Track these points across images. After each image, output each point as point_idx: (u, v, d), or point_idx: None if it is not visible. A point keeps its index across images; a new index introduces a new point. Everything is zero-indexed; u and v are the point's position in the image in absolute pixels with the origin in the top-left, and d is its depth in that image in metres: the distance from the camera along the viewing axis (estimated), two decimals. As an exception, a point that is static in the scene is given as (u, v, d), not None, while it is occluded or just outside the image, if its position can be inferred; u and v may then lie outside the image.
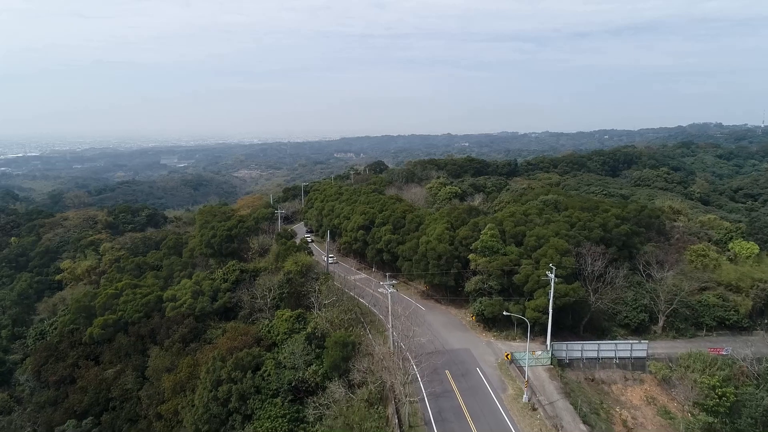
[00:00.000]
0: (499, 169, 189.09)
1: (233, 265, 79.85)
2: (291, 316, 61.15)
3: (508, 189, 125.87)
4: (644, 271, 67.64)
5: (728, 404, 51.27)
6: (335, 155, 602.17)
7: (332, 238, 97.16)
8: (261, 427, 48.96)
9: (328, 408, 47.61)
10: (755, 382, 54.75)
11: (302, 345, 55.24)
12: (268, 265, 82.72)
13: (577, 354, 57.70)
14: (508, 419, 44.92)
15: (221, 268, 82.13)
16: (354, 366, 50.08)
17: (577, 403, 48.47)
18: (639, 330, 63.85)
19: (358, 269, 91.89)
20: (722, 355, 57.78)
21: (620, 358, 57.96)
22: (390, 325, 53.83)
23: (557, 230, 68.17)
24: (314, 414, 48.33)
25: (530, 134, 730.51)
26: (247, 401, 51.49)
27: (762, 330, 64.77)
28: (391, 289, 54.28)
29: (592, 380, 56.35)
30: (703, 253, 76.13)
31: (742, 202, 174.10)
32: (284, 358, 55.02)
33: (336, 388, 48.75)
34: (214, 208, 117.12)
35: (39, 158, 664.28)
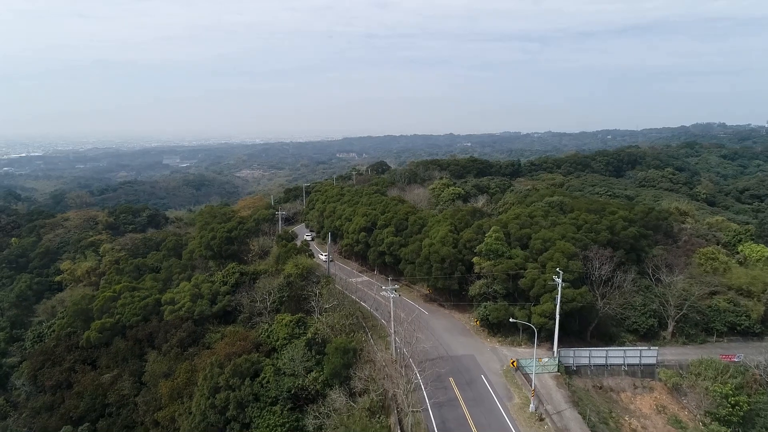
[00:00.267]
0: (502, 169, 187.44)
1: (233, 267, 78.54)
2: (291, 321, 59.73)
3: (512, 190, 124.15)
4: (653, 275, 65.96)
5: (741, 414, 49.75)
6: (337, 155, 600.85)
7: (333, 240, 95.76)
8: (259, 436, 47.61)
9: (328, 417, 46.20)
10: (769, 390, 53.16)
11: (302, 351, 53.84)
12: (268, 267, 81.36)
13: (585, 361, 56.13)
14: (515, 431, 43.41)
15: (221, 271, 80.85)
16: (355, 374, 48.64)
17: (586, 412, 46.93)
18: (648, 336, 62.21)
19: (359, 272, 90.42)
20: (734, 362, 56.14)
21: (629, 365, 56.37)
22: (392, 332, 52.39)
23: (563, 233, 66.62)
24: (314, 423, 46.91)
25: (533, 134, 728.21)
26: (246, 409, 50.07)
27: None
28: (394, 294, 52.79)
29: (600, 388, 54.78)
30: (713, 256, 74.43)
31: (749, 203, 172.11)
32: (284, 364, 53.60)
33: (337, 397, 47.36)
34: (214, 209, 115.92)
35: (42, 158, 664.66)
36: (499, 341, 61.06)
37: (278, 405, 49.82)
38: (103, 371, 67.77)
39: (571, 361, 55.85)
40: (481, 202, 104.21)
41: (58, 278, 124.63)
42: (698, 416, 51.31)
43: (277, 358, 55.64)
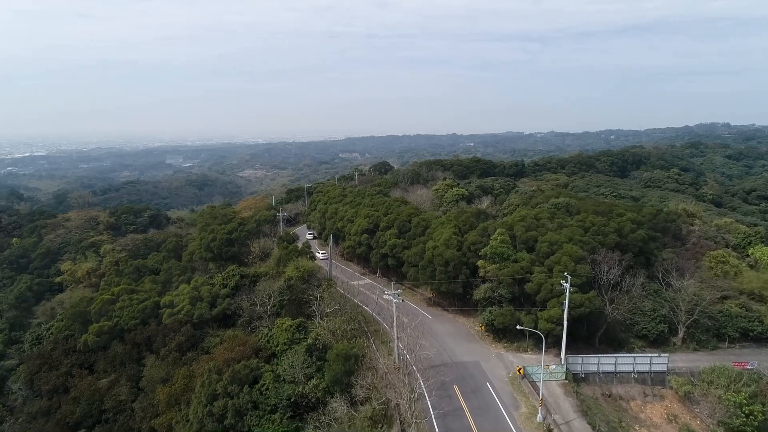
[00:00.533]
0: (506, 169, 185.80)
1: (233, 270, 77.28)
2: (291, 326, 58.40)
3: (517, 191, 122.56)
4: (663, 279, 64.31)
5: (756, 423, 48.02)
6: (340, 155, 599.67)
7: (335, 241, 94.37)
8: (258, 445, 46.29)
9: (329, 426, 44.88)
10: (784, 399, 51.43)
11: (302, 357, 52.50)
12: (268, 269, 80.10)
13: (593, 368, 54.57)
14: (522, 441, 41.95)
15: (221, 273, 79.60)
16: (357, 381, 47.20)
17: (595, 422, 45.40)
18: (658, 342, 60.57)
19: (361, 274, 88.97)
20: (747, 369, 54.47)
21: (639, 372, 54.77)
22: (395, 338, 50.94)
23: (570, 236, 65.02)
24: (314, 432, 45.57)
25: (536, 134, 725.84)
26: (244, 417, 48.75)
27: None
28: (397, 299, 51.32)
29: (609, 396, 53.21)
30: (723, 259, 72.83)
31: (756, 204, 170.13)
32: (283, 370, 52.28)
33: (338, 405, 46.02)
34: (214, 210, 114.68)
35: (45, 158, 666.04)
36: (504, 347, 59.53)
37: (278, 413, 48.50)
38: (100, 376, 66.56)
39: (579, 368, 54.29)
40: (485, 203, 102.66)
41: (58, 279, 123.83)
42: (711, 426, 49.66)
43: (277, 364, 54.33)
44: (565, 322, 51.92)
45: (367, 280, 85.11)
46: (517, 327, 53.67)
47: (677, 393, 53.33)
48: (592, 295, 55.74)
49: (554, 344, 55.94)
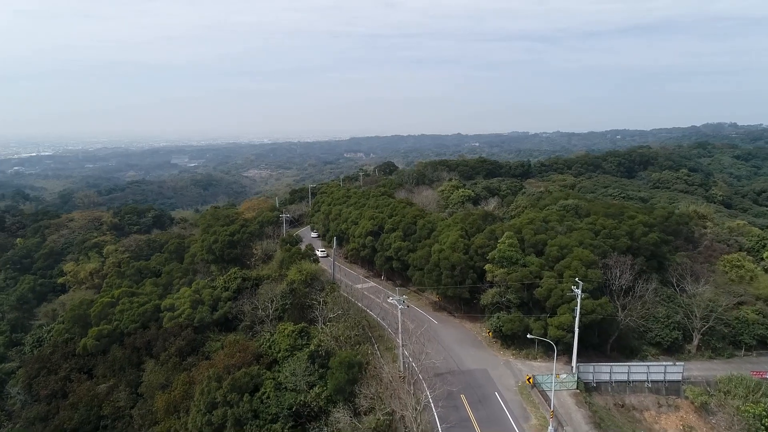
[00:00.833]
0: (512, 170, 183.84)
1: (235, 272, 75.79)
2: (293, 331, 56.76)
3: (524, 192, 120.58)
4: (678, 284, 62.29)
5: (776, 437, 46.08)
6: (345, 155, 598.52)
7: (339, 243, 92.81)
8: (258, 456, 44.73)
9: (331, 437, 43.23)
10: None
11: (305, 364, 50.84)
12: (271, 272, 78.61)
13: (606, 377, 52.67)
14: (533, 456, 40.19)
15: (223, 276, 78.18)
16: (360, 391, 45.54)
17: (609, 435, 43.61)
18: (671, 349, 58.61)
19: (366, 277, 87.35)
20: (766, 378, 52.47)
21: (653, 382, 52.79)
22: (401, 346, 49.28)
23: (581, 239, 63.16)
24: (316, 443, 43.97)
25: (541, 134, 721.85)
26: (244, 427, 47.18)
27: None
28: (402, 305, 49.64)
29: (622, 406, 51.36)
30: (738, 263, 70.68)
31: (767, 206, 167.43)
32: (285, 378, 50.67)
33: (341, 415, 44.36)
34: (217, 211, 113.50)
35: (52, 157, 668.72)
36: (513, 354, 57.73)
37: (279, 423, 46.91)
38: (99, 381, 65.28)
39: (590, 376, 52.42)
40: (492, 204, 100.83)
41: (61, 280, 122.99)
42: (729, 439, 47.73)
43: (278, 371, 52.75)
44: (577, 330, 50.15)
45: (372, 283, 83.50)
46: (528, 336, 51.77)
47: (693, 403, 51.37)
48: (604, 301, 53.90)
49: (564, 351, 54.16)
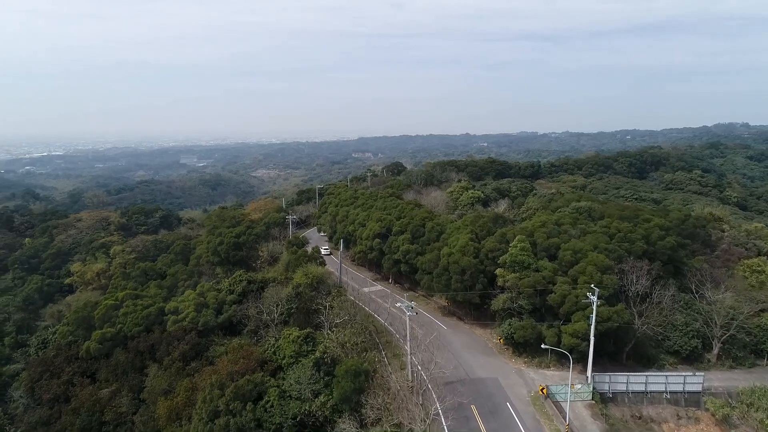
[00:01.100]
0: (521, 170, 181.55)
1: (240, 275, 74.49)
2: (299, 337, 55.28)
3: (535, 194, 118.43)
4: (697, 290, 60.04)
5: (803, 453, 43.95)
6: (353, 155, 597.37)
7: (346, 245, 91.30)
8: (261, 467, 43.30)
9: (336, 449, 41.71)
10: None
11: (310, 371, 49.38)
12: (277, 275, 77.19)
13: (622, 387, 50.72)
14: (547, 472, 38.39)
15: (228, 278, 76.92)
16: (367, 401, 43.96)
17: (626, 450, 41.68)
18: (690, 358, 56.42)
19: (373, 280, 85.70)
20: (791, 390, 50.15)
21: (671, 392, 50.81)
22: (409, 354, 47.59)
23: (595, 243, 61.12)
24: (321, 455, 42.46)
25: (550, 134, 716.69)
26: (247, 436, 45.78)
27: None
28: (411, 312, 47.96)
29: (639, 418, 49.36)
30: (759, 268, 68.30)
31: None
32: (289, 386, 49.21)
33: (346, 426, 42.88)
34: (223, 212, 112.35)
35: (62, 157, 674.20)
36: (525, 362, 55.87)
37: (282, 433, 45.46)
38: (101, 385, 64.15)
39: (606, 387, 50.50)
40: (502, 206, 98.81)
41: (68, 281, 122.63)
42: (752, 454, 45.64)
43: (283, 378, 51.30)
44: (592, 338, 48.25)
45: (379, 287, 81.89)
46: (542, 346, 49.87)
47: (714, 416, 49.30)
48: (620, 308, 51.89)
49: (578, 360, 52.18)
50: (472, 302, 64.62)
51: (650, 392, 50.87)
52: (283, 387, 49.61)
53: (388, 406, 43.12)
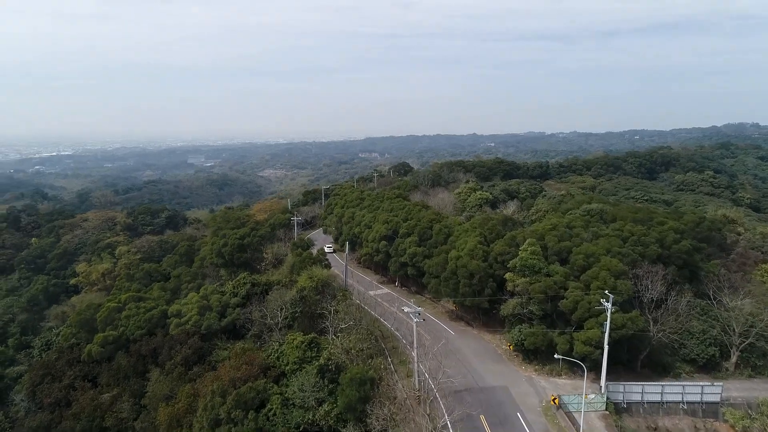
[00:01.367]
0: (529, 171, 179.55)
1: (244, 277, 73.27)
2: (303, 342, 53.92)
3: (544, 195, 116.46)
4: (715, 297, 57.99)
5: (829, 468, 41.98)
6: (360, 155, 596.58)
7: (352, 247, 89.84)
8: (263, 478, 41.99)
9: (341, 461, 40.28)
10: None
11: (314, 379, 47.98)
12: (281, 278, 75.92)
13: (637, 397, 48.93)
14: (560, 487, 36.73)
15: (232, 281, 75.73)
16: (372, 410, 42.48)
17: (643, 464, 39.92)
18: (707, 367, 54.41)
19: (380, 283, 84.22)
20: (814, 402, 48.16)
21: (689, 403, 48.95)
22: (416, 362, 46.04)
23: (608, 247, 59.25)
24: (325, 467, 41.07)
25: (558, 134, 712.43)
26: (249, 446, 44.52)
27: None
28: (418, 319, 46.44)
29: (655, 429, 47.62)
30: (778, 273, 66.05)
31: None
32: (293, 394, 47.89)
33: (351, 437, 41.38)
34: (228, 214, 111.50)
35: (71, 157, 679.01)
36: (535, 370, 54.15)
37: (285, 442, 44.12)
38: (103, 390, 63.18)
39: (620, 397, 48.72)
40: (511, 208, 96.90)
41: (73, 281, 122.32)
42: (774, 468, 43.72)
43: (286, 385, 49.97)
44: (606, 346, 46.50)
45: (386, 290, 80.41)
46: (555, 356, 48.20)
47: (733, 427, 47.42)
48: (634, 315, 50.09)
49: (591, 368, 50.35)
50: (480, 307, 62.97)
51: (666, 403, 49.03)
52: (286, 394, 48.28)
53: (394, 416, 41.63)
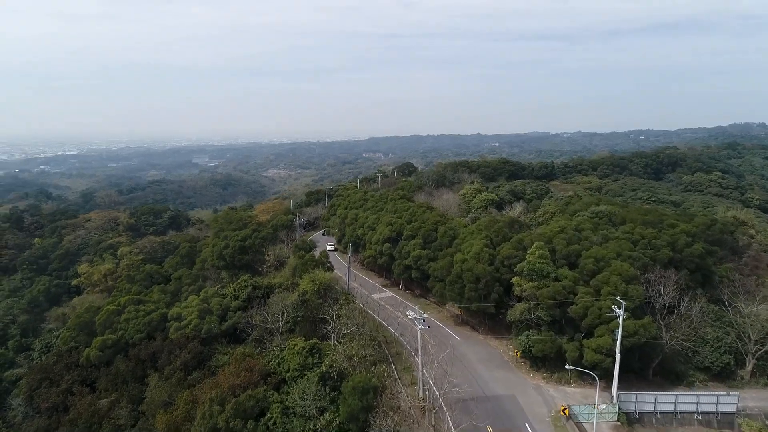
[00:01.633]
0: (535, 171, 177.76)
1: (245, 280, 71.99)
2: (304, 348, 52.50)
3: (551, 196, 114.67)
4: (730, 303, 56.16)
5: None
6: (364, 155, 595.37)
7: (355, 249, 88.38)
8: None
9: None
10: None
11: (315, 386, 46.58)
12: (283, 280, 74.60)
13: (649, 407, 47.21)
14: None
15: (233, 283, 74.41)
16: (375, 421, 41.02)
17: (657, 479, 38.29)
18: (722, 375, 52.64)
19: (383, 286, 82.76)
20: (834, 413, 46.38)
21: (703, 413, 47.17)
22: (420, 371, 44.55)
23: (618, 250, 57.49)
24: (326, 479, 39.64)
25: (562, 134, 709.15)
26: (248, 456, 43.14)
27: None
28: (423, 326, 44.93)
29: (669, 441, 45.84)
30: (793, 277, 64.14)
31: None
32: (293, 402, 46.49)
33: (353, 448, 39.92)
34: (230, 215, 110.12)
35: (76, 156, 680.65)
36: (543, 377, 52.53)
37: (285, 453, 42.73)
38: (101, 395, 61.96)
39: (632, 406, 47.01)
40: (517, 209, 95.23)
41: (75, 282, 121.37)
42: (794, 483, 41.96)
43: (287, 393, 48.59)
44: (618, 355, 44.86)
45: (389, 293, 78.94)
46: (567, 367, 46.63)
47: (750, 439, 45.60)
48: (647, 322, 48.35)
49: (601, 376, 48.70)
50: (486, 312, 61.34)
51: (680, 413, 47.28)
52: (286, 403, 46.87)
53: (397, 427, 40.15)
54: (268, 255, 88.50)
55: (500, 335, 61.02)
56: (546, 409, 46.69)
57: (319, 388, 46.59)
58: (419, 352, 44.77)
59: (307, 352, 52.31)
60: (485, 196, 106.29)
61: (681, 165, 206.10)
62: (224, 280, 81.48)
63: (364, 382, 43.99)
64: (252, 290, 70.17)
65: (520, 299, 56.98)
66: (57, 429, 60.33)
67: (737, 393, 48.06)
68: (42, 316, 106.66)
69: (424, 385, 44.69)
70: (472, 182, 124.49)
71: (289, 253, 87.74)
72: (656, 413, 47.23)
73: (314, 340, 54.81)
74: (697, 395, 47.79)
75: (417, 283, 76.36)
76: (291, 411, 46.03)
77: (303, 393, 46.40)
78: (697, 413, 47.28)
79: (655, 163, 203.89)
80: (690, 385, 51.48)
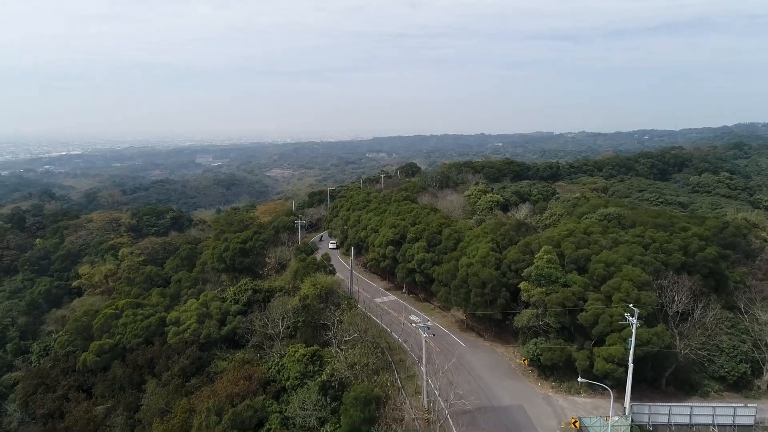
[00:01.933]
0: (539, 172, 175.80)
1: (245, 284, 70.55)
2: (304, 355, 50.98)
3: (557, 198, 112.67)
4: (746, 309, 54.23)
5: None
6: (367, 155, 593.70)
7: (358, 252, 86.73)
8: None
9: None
10: None
11: (315, 396, 45.08)
12: (284, 284, 73.08)
13: (663, 419, 45.34)
14: None
15: (233, 286, 72.97)
16: (378, 434, 39.41)
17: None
18: (738, 385, 50.65)
19: (386, 289, 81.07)
20: None
21: (720, 426, 45.27)
22: (425, 381, 42.86)
23: (629, 255, 55.64)
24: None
25: (566, 134, 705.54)
26: (245, 469, 41.64)
27: None
28: (427, 334, 43.25)
29: (684, 455, 44.01)
30: (809, 283, 62.04)
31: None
32: (293, 411, 44.94)
33: (354, 463, 38.30)
34: (231, 216, 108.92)
35: (81, 156, 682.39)
36: (552, 387, 50.74)
37: (284, 466, 41.17)
38: (97, 401, 60.67)
39: (645, 418, 45.17)
40: (523, 211, 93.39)
41: (75, 283, 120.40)
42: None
43: (287, 402, 47.07)
44: (631, 365, 43.05)
45: (393, 297, 77.26)
46: (579, 379, 44.95)
47: (769, 454, 43.70)
48: (660, 330, 46.49)
49: (612, 386, 46.91)
50: (493, 318, 59.54)
51: (695, 425, 45.42)
52: (286, 413, 45.38)
53: (401, 441, 38.53)
54: (269, 257, 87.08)
55: (507, 342, 59.27)
56: (555, 421, 44.92)
57: (319, 397, 45.10)
58: (424, 362, 43.10)
59: (307, 359, 50.79)
60: (490, 197, 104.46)
61: (687, 165, 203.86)
62: (224, 283, 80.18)
63: (366, 393, 42.36)
64: (252, 294, 68.78)
65: (527, 305, 55.18)
66: (52, 436, 59.06)
67: (755, 405, 46.16)
68: (41, 318, 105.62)
69: (428, 396, 42.99)
70: (477, 183, 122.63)
71: (290, 256, 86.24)
72: (671, 425, 45.36)
73: (315, 347, 53.30)
74: (713, 407, 45.87)
75: (421, 287, 74.63)
76: (290, 422, 44.53)
77: (303, 403, 44.91)
78: (714, 426, 45.37)
79: (661, 163, 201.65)
80: (705, 396, 49.61)
